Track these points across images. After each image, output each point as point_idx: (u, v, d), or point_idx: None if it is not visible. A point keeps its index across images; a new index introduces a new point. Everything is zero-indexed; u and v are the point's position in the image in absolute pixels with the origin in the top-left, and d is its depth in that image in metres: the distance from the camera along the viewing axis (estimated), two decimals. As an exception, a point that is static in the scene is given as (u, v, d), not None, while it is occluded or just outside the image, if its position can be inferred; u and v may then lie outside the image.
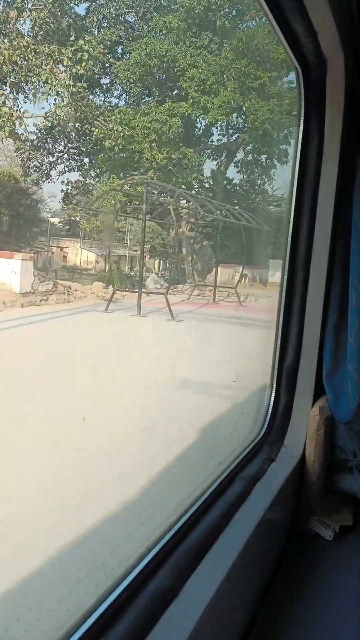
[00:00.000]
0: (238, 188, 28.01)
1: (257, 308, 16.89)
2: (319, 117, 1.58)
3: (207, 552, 1.10)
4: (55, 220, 28.92)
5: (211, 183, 27.23)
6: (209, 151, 27.11)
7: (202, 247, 20.45)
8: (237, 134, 25.34)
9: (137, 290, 13.10)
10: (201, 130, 26.23)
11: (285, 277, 1.71)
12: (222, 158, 26.97)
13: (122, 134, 19.76)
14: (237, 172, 26.61)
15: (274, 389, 1.76)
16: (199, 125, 25.74)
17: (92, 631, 0.84)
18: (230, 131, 25.85)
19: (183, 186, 22.36)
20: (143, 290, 13.57)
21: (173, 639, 0.86)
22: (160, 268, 25.20)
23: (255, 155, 25.66)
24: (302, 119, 1.60)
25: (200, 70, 21.86)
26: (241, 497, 1.35)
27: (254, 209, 27.64)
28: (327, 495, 1.75)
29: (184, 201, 18.84)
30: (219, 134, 26.94)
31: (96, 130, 19.68)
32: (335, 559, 1.62)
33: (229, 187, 28.00)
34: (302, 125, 1.60)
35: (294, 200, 1.65)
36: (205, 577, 1.02)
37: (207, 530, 1.18)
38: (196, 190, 25.71)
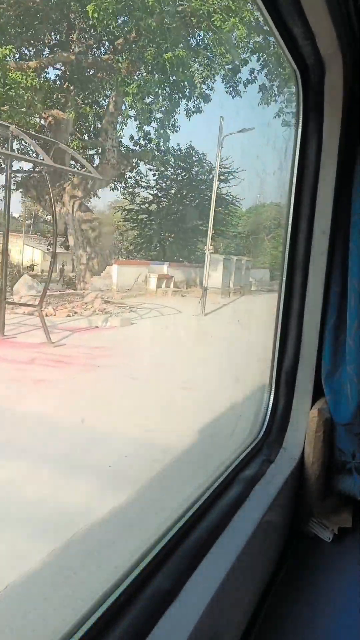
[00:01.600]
0: (172, 156, 20.25)
1: (62, 359, 7.62)
2: (317, 119, 1.58)
3: (206, 554, 1.10)
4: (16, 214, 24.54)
5: (95, 132, 17.57)
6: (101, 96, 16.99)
7: (101, 235, 14.41)
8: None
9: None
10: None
11: (284, 278, 1.71)
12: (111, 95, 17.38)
13: None
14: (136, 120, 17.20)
15: (273, 391, 1.77)
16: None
17: (91, 633, 0.84)
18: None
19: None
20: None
21: None
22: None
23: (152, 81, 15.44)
24: (301, 121, 1.61)
25: None
26: (240, 499, 1.36)
27: (196, 186, 21.60)
28: (327, 496, 1.75)
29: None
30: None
31: None
32: (334, 561, 1.62)
33: (135, 142, 18.68)
34: (300, 127, 1.61)
35: (292, 201, 1.66)
36: (204, 578, 1.02)
37: (206, 531, 1.18)
38: (75, 148, 16.58)
